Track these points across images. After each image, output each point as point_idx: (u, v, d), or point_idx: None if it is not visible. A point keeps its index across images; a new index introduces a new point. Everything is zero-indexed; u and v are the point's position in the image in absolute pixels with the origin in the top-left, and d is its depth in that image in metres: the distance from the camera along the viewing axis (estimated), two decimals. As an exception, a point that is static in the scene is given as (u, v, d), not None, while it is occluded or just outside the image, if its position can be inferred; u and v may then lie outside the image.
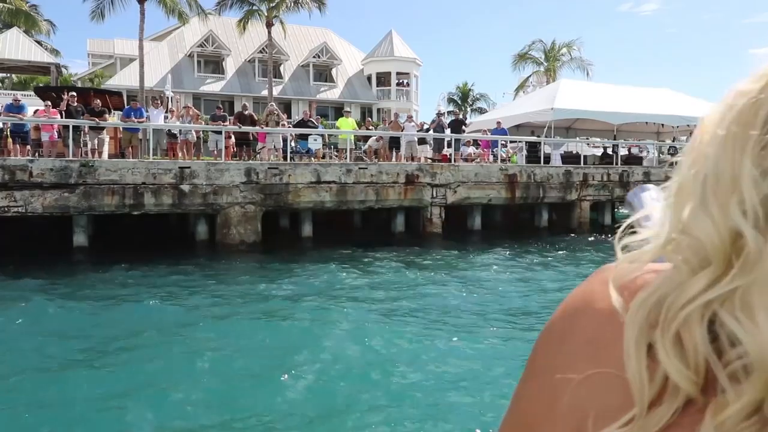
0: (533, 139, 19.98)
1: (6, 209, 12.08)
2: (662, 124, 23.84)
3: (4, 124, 12.99)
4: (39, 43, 40.89)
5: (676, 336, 0.45)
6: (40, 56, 30.12)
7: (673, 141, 24.08)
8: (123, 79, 35.67)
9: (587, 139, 24.25)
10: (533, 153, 19.25)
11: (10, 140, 13.59)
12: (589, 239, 17.34)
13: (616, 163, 20.07)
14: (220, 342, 7.46)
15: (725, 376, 0.43)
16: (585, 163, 19.91)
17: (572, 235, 17.57)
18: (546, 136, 19.82)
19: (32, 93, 24.45)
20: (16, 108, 12.92)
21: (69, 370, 6.41)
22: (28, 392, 5.71)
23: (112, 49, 41.71)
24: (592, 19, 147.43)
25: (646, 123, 22.92)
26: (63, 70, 49.29)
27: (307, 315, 8.71)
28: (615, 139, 21.95)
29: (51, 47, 45.21)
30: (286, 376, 6.24)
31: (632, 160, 22.05)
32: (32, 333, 7.68)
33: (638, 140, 24.39)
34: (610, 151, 22.20)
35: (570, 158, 20.75)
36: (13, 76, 38.97)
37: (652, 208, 0.57)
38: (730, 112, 0.47)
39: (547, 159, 19.07)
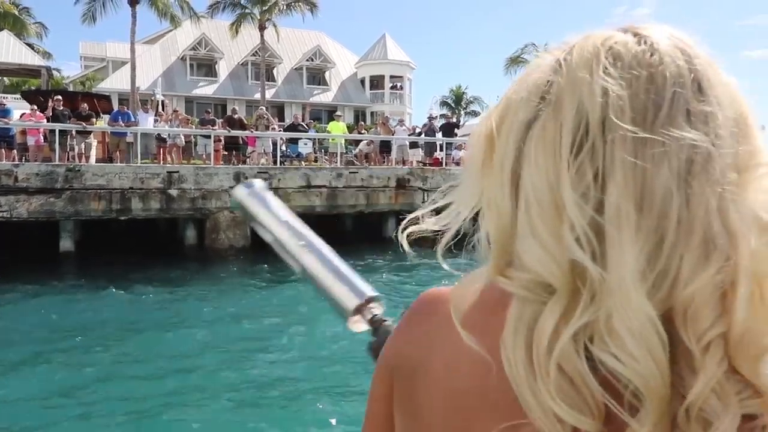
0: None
1: (-9, 214, 11.93)
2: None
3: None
4: (30, 45, 40.70)
5: (556, 378, 0.43)
6: (31, 59, 29.94)
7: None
8: (115, 82, 35.50)
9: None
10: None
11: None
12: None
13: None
14: (206, 347, 7.37)
15: (622, 410, 0.42)
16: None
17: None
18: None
19: (20, 97, 24.25)
20: (1, 112, 12.78)
21: (49, 373, 6.33)
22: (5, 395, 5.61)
23: (105, 52, 41.51)
24: (587, 22, 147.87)
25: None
26: (55, 72, 49.07)
27: (296, 320, 8.63)
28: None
29: (43, 50, 45.00)
30: (277, 386, 6.16)
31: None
32: (14, 338, 7.55)
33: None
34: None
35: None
36: (5, 78, 38.72)
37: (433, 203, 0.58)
38: (534, 139, 0.47)
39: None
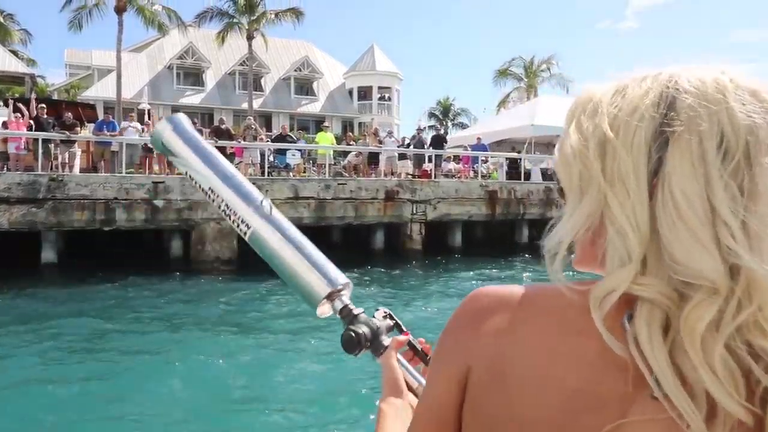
0: (513, 155, 19.97)
1: (-30, 225, 11.63)
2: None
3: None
4: (14, 52, 40.23)
5: (721, 371, 0.48)
6: (14, 66, 29.55)
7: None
8: (100, 91, 35.15)
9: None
10: (514, 169, 19.23)
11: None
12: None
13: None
14: (189, 362, 7.21)
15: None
16: (565, 179, 19.93)
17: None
18: (527, 152, 19.82)
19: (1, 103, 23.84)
20: (-18, 120, 12.52)
21: (27, 386, 6.13)
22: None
23: (90, 60, 41.14)
24: (572, 36, 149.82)
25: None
26: (40, 80, 48.55)
27: (280, 334, 8.47)
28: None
29: (27, 57, 44.45)
30: (258, 399, 6.01)
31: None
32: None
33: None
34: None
35: (551, 175, 20.76)
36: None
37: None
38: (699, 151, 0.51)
39: (528, 175, 19.03)
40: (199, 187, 1.03)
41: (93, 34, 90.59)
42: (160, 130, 1.06)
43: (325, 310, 0.96)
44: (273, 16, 31.84)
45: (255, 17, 31.29)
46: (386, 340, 0.90)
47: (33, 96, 15.40)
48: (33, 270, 12.44)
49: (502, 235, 20.29)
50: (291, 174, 16.32)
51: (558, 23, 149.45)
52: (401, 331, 0.93)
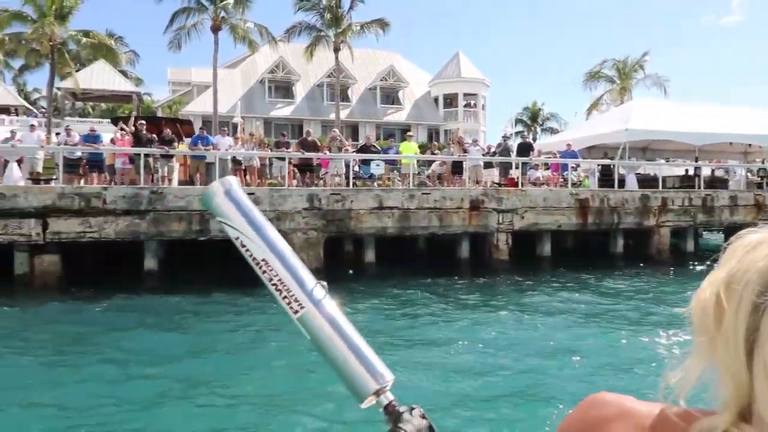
0: (606, 161, 19.06)
1: (82, 235, 12.58)
2: (749, 144, 22.23)
3: (82, 152, 13.62)
4: (124, 72, 43.47)
5: None
6: (122, 86, 31.91)
7: (763, 162, 22.39)
8: (198, 106, 37.16)
9: (668, 160, 22.88)
10: (607, 176, 18.32)
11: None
12: (670, 268, 16.26)
13: (699, 187, 18.75)
14: (283, 367, 7.36)
15: None
16: (664, 186, 18.76)
17: (649, 263, 16.53)
18: (620, 158, 18.85)
19: (109, 121, 25.80)
20: (92, 138, 13.54)
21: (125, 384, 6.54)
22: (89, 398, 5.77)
23: (190, 77, 43.62)
24: (671, 33, 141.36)
25: (731, 143, 21.42)
26: (147, 97, 52.20)
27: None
28: (697, 161, 20.55)
29: (135, 76, 47.90)
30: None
31: (717, 182, 20.60)
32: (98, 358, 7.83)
33: (723, 161, 22.75)
34: (691, 172, 20.87)
35: (647, 181, 19.61)
36: (102, 104, 41.57)
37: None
38: None
39: (622, 182, 18.07)
40: (251, 256, 1.03)
41: (193, 51, 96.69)
42: (211, 194, 1.06)
43: (370, 402, 0.97)
44: (358, 28, 32.36)
45: (341, 29, 31.94)
46: None
47: (134, 114, 16.43)
48: (136, 277, 13.26)
49: (595, 246, 19.41)
50: (375, 184, 16.44)
51: (655, 20, 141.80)
52: None
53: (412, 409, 0.95)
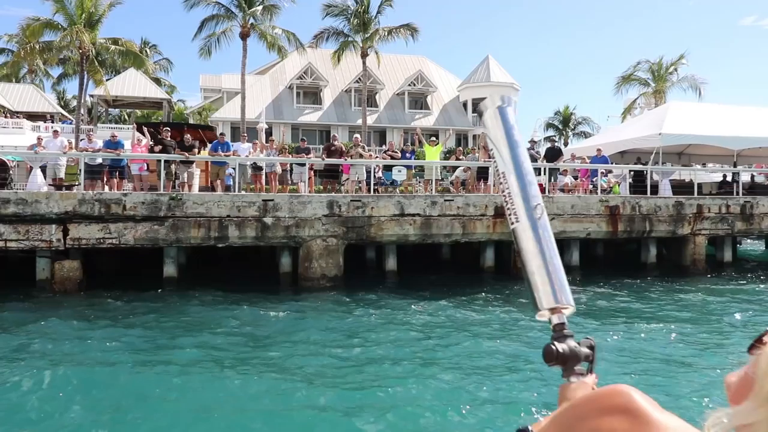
0: (638, 167, 18.38)
1: (102, 241, 12.60)
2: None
3: (103, 158, 13.68)
4: (158, 80, 44.22)
5: None
6: (153, 93, 32.41)
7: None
8: (227, 112, 37.48)
9: (704, 166, 21.98)
10: (639, 182, 17.64)
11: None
12: (707, 277, 15.53)
13: (738, 193, 17.90)
14: (297, 375, 7.15)
15: None
16: (700, 192, 17.97)
17: (683, 273, 15.81)
18: (654, 163, 18.15)
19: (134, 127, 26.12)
20: (113, 144, 13.59)
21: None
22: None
23: (220, 83, 44.11)
24: (709, 35, 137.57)
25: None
26: (180, 104, 53.04)
27: (383, 356, 8.17)
28: (735, 166, 19.66)
29: (169, 83, 48.72)
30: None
31: (757, 188, 19.67)
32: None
33: (763, 166, 21.75)
34: (729, 178, 19.98)
35: (681, 187, 18.83)
36: (137, 111, 42.31)
37: None
38: None
39: (655, 188, 17.37)
40: (496, 168, 1.16)
41: (226, 58, 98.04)
42: (488, 104, 1.19)
43: (543, 316, 1.04)
44: (386, 33, 32.15)
45: (369, 35, 31.80)
46: (578, 367, 0.98)
47: (162, 120, 16.48)
48: (156, 283, 13.23)
49: (626, 255, 18.72)
50: (398, 190, 16.13)
51: (693, 23, 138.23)
52: (590, 369, 1.00)
53: (585, 339, 1.01)
